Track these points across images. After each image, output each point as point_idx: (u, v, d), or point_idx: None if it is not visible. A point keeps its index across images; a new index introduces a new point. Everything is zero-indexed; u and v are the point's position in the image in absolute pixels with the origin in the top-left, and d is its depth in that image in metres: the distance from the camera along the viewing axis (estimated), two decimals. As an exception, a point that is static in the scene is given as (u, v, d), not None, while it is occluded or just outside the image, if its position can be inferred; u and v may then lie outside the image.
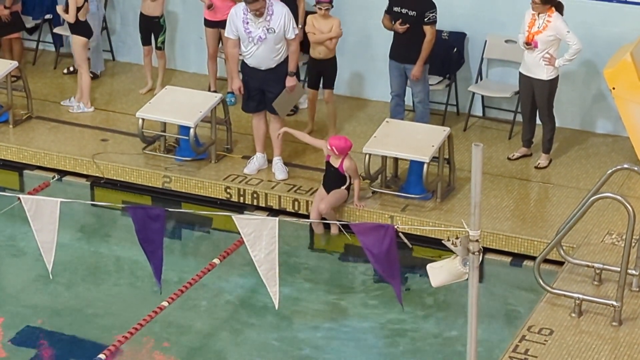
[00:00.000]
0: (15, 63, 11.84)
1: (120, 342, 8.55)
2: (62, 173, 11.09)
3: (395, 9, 10.84)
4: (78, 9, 11.68)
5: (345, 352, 8.73)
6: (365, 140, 10.35)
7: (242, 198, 10.50)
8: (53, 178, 11.06)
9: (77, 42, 11.87)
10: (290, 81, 10.45)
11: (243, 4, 10.23)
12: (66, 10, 11.70)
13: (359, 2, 11.94)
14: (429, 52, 10.82)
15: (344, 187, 10.04)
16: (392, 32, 10.90)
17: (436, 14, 10.75)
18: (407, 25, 10.78)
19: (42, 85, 12.61)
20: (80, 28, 11.82)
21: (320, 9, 10.98)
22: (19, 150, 11.24)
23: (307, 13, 11.58)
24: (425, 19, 10.73)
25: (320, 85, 11.25)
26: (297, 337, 8.91)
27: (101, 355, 8.39)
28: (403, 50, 10.88)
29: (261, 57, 10.28)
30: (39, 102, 12.07)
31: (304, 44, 11.21)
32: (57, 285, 9.35)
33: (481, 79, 11.78)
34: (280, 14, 10.21)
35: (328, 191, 10.03)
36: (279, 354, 8.71)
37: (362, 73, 12.26)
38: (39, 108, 11.96)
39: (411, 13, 10.76)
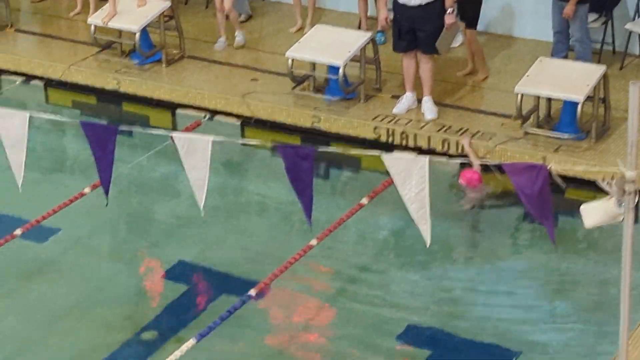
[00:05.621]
0: (168, 3, 11.98)
1: (270, 278, 8.64)
2: (213, 112, 11.22)
3: None
4: None
5: (495, 292, 8.65)
6: (516, 79, 10.15)
7: (390, 138, 10.45)
8: (204, 117, 11.20)
9: None
10: (449, 19, 10.32)
11: None
12: None
13: None
14: (582, -10, 10.53)
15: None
16: None
17: None
18: None
19: (193, 25, 12.74)
20: None
21: None
22: (171, 90, 11.40)
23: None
24: (582, -46, 10.43)
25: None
26: (446, 277, 8.86)
27: (251, 292, 8.50)
28: (561, -14, 10.64)
29: (413, -10, 10.17)
30: (190, 42, 12.20)
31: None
32: (208, 223, 9.48)
33: (639, 17, 11.40)
34: None
35: None
36: (427, 292, 8.69)
37: (511, 10, 11.99)
38: (190, 47, 12.10)
39: (571, -54, 10.48)
